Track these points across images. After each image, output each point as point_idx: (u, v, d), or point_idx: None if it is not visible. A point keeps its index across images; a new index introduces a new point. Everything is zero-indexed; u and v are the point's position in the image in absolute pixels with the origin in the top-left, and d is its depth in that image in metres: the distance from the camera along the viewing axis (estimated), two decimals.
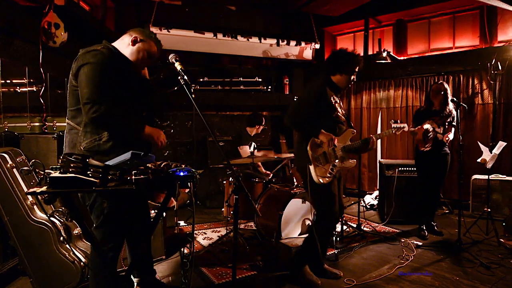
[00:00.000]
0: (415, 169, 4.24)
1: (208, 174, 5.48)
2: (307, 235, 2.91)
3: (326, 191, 2.70)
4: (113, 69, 1.95)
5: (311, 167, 2.67)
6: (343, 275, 2.88)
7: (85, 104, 1.87)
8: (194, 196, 1.77)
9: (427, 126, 3.65)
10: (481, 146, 3.93)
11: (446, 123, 3.76)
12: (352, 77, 2.81)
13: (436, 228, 3.95)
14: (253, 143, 4.58)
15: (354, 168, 6.17)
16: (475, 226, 3.82)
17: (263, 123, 4.59)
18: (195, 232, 4.05)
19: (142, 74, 2.28)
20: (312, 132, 2.69)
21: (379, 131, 5.88)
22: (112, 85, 1.93)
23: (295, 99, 5.78)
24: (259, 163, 4.53)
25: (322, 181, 2.65)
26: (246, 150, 4.37)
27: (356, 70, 2.79)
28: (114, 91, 1.93)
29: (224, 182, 4.03)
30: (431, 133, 3.66)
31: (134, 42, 2.09)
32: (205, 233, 4.05)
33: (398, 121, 3.06)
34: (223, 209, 4.00)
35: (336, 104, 2.78)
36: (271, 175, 4.38)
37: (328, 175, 2.68)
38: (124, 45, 2.11)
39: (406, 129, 3.08)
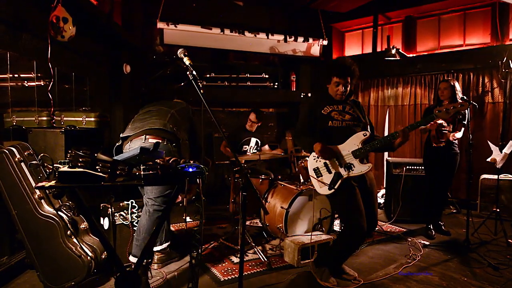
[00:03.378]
0: (422, 167, 4.20)
1: (214, 170, 5.47)
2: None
3: (338, 200, 2.65)
4: None
5: (312, 180, 2.74)
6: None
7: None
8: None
9: (441, 121, 3.50)
10: (491, 145, 3.87)
11: (456, 121, 3.70)
12: (338, 87, 2.66)
13: (443, 228, 3.91)
14: (256, 139, 4.56)
15: None
16: (483, 226, 3.77)
17: (260, 122, 4.56)
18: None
19: None
20: (308, 147, 2.71)
21: (386, 129, 5.82)
22: None
23: (302, 96, 5.77)
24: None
25: (322, 193, 2.69)
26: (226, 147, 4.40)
27: (333, 76, 2.66)
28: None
29: (230, 178, 4.02)
30: (446, 127, 3.54)
31: None
32: (210, 230, 4.04)
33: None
34: (228, 206, 3.99)
35: (333, 113, 2.69)
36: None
37: (329, 186, 2.60)
38: None
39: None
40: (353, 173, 2.60)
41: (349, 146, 2.62)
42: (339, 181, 2.58)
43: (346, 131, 2.66)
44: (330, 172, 2.64)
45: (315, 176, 2.69)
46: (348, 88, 2.69)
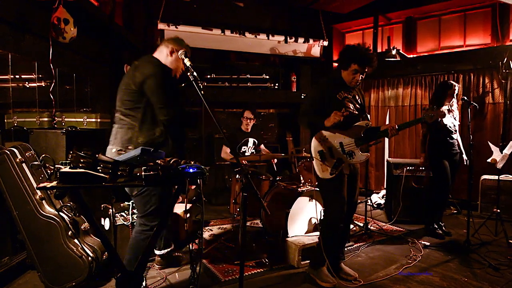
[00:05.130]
0: (423, 168, 4.20)
1: (214, 170, 5.48)
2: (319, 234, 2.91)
3: (330, 186, 2.70)
4: (166, 78, 2.31)
5: (314, 162, 2.75)
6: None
7: (160, 108, 2.21)
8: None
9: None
10: (492, 146, 3.87)
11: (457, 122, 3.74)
12: (355, 74, 2.66)
13: (444, 228, 3.91)
14: (253, 140, 4.56)
15: (361, 167, 6.18)
16: (483, 227, 3.77)
17: (255, 118, 4.58)
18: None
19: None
20: (312, 126, 2.73)
21: None
22: (167, 92, 2.26)
23: (303, 96, 5.77)
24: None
25: (323, 177, 2.69)
26: (227, 150, 4.36)
27: (354, 64, 2.62)
28: (169, 96, 2.27)
29: (231, 179, 4.02)
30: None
31: (171, 53, 2.41)
32: (211, 230, 4.05)
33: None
34: (229, 206, 3.99)
35: (346, 100, 2.71)
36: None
37: (331, 170, 2.66)
38: (163, 55, 2.42)
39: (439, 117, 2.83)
40: (353, 161, 2.69)
41: (353, 134, 2.68)
42: (341, 167, 2.66)
43: (354, 120, 2.72)
44: (333, 157, 2.69)
45: (320, 159, 2.71)
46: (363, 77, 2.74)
